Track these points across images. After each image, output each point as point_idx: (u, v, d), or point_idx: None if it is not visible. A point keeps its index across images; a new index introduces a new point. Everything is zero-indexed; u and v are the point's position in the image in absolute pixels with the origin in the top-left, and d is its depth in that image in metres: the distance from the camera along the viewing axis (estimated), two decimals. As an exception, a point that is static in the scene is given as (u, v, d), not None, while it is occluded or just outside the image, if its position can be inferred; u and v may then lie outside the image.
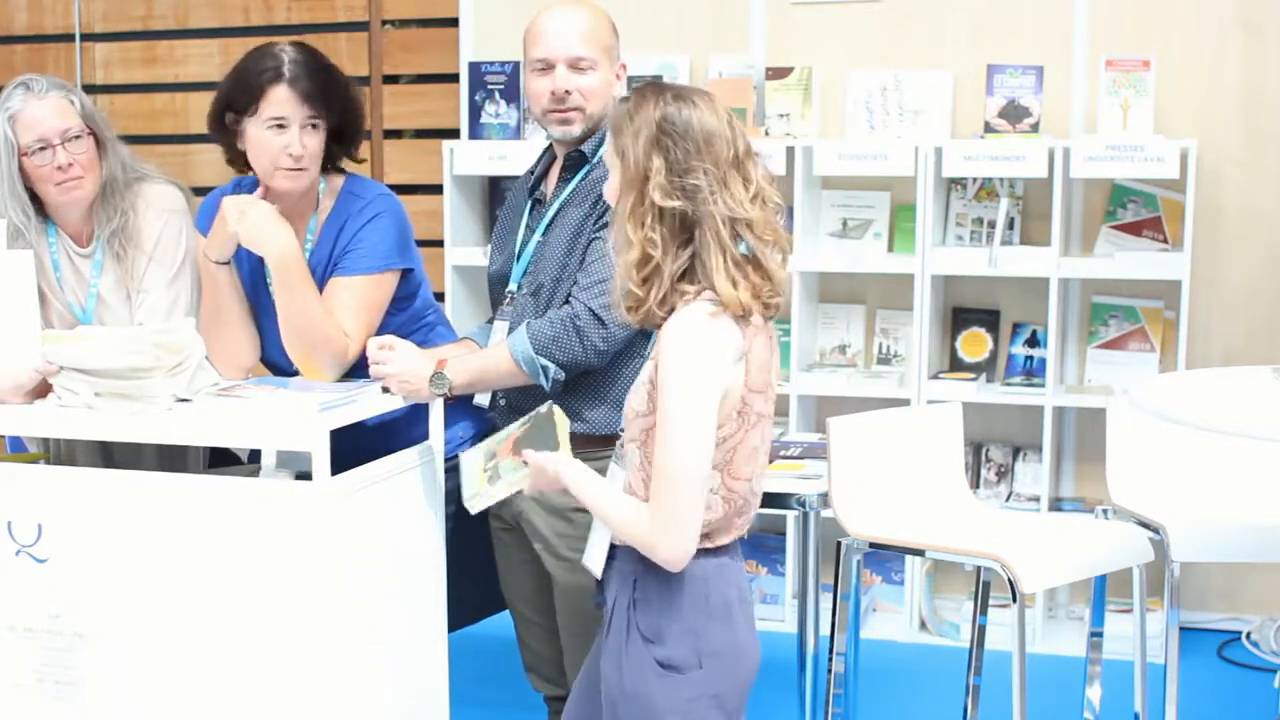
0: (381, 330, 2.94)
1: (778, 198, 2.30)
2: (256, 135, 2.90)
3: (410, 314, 3.06)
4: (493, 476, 2.54)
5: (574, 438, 2.79)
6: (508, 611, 3.10)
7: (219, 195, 3.02)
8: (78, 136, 2.99)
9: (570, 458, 2.36)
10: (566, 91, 2.82)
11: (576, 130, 2.84)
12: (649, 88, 2.29)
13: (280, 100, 2.87)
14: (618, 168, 2.27)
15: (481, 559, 3.05)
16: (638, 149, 2.23)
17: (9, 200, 2.97)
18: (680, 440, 2.18)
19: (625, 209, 2.25)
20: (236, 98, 2.92)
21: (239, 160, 3.00)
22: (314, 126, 2.92)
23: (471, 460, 2.63)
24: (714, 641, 2.26)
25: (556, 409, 2.45)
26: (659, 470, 2.20)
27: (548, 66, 2.84)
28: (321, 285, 2.93)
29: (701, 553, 2.25)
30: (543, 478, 2.39)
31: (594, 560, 2.37)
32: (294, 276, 2.84)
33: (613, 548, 2.33)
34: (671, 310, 2.24)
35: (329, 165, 3.02)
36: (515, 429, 2.54)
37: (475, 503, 2.60)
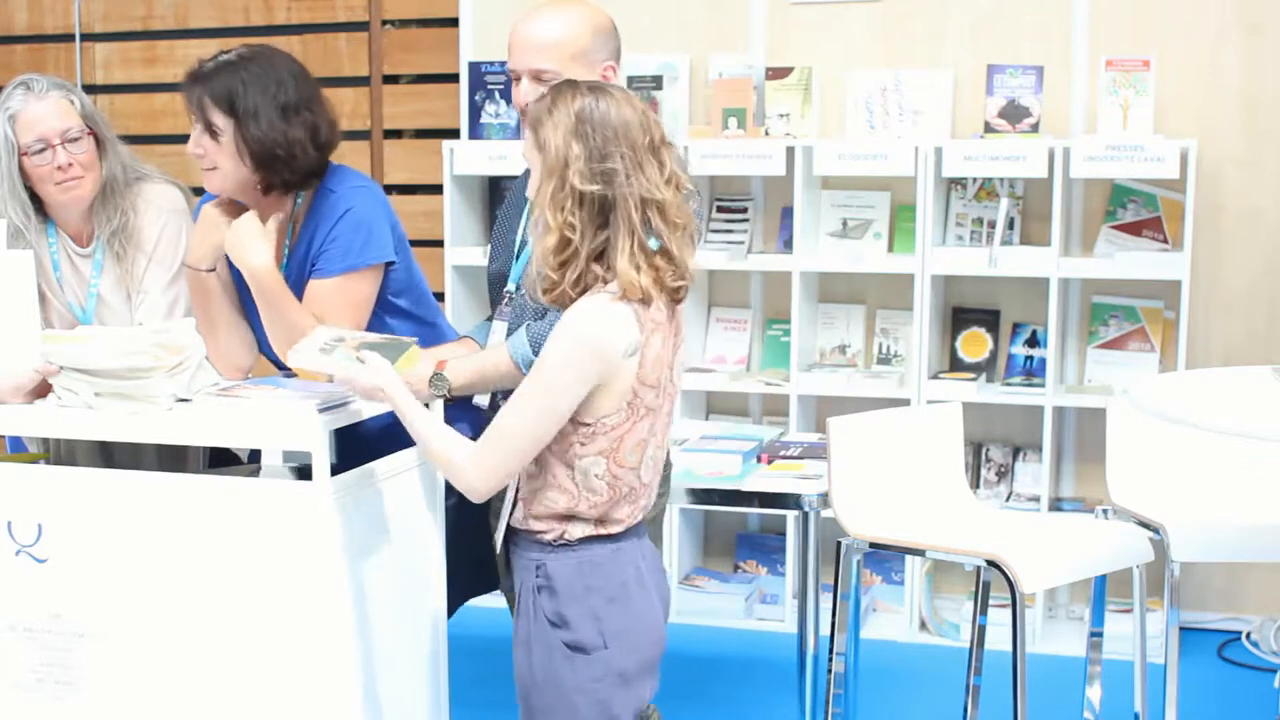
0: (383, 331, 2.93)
1: (690, 184, 2.42)
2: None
3: (410, 315, 3.05)
4: (326, 352, 2.58)
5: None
6: (507, 610, 3.09)
7: (206, 201, 3.01)
8: (78, 137, 2.99)
9: (400, 379, 2.49)
10: (526, 105, 2.80)
11: None
12: (566, 84, 2.41)
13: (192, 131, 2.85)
14: (538, 160, 2.36)
15: (477, 540, 3.03)
16: (558, 138, 2.33)
17: (9, 200, 2.97)
18: (529, 413, 2.32)
19: (545, 196, 2.34)
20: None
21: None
22: (214, 139, 2.83)
23: (321, 333, 2.65)
24: (615, 621, 2.39)
25: (418, 348, 2.60)
26: (500, 428, 2.34)
27: (516, 78, 2.84)
28: (299, 278, 2.92)
29: (597, 539, 2.39)
30: (365, 378, 2.50)
31: (496, 541, 2.54)
32: (271, 293, 2.85)
33: (515, 535, 2.45)
34: (584, 290, 2.34)
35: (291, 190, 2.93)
36: (374, 336, 2.66)
37: (294, 358, 2.62)
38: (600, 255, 2.33)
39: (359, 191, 2.95)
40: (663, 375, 2.38)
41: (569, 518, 2.38)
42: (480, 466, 2.35)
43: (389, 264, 2.98)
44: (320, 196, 2.94)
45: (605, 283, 2.33)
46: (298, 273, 2.94)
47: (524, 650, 2.42)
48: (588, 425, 2.34)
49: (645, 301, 2.32)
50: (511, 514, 2.45)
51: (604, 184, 2.31)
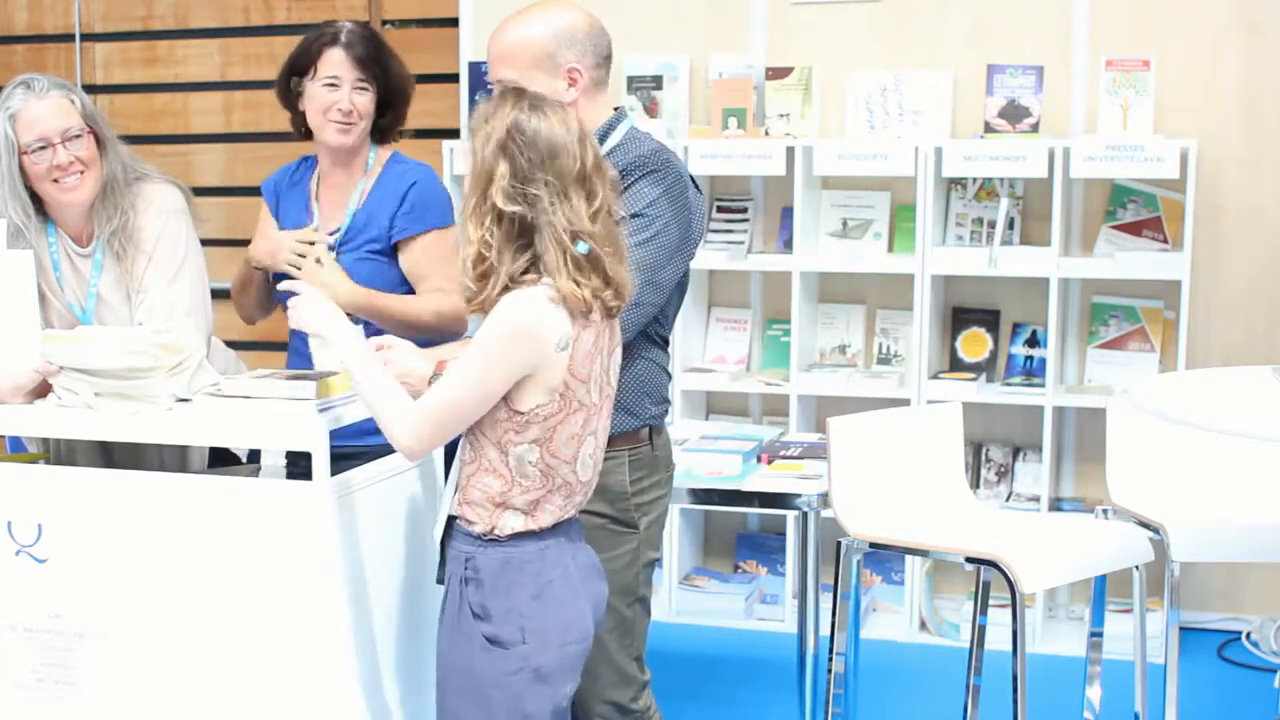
0: None
1: (622, 210, 2.45)
2: (312, 93, 3.17)
3: None
4: (258, 378, 2.68)
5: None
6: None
7: (285, 171, 3.34)
8: (78, 135, 2.99)
9: (345, 323, 2.52)
10: None
11: None
12: (509, 93, 2.41)
13: (334, 61, 3.16)
14: (469, 166, 2.38)
15: None
16: (486, 151, 2.34)
17: (9, 199, 2.97)
18: (460, 388, 2.34)
19: (469, 207, 2.36)
20: (298, 62, 3.21)
21: (302, 125, 3.24)
22: (363, 89, 3.17)
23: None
24: (536, 618, 2.40)
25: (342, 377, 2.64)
26: (433, 398, 2.37)
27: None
28: (364, 243, 3.16)
29: (527, 535, 2.41)
30: (310, 316, 2.54)
31: (436, 533, 2.53)
32: (381, 319, 3.09)
33: (451, 526, 2.46)
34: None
35: (379, 138, 3.27)
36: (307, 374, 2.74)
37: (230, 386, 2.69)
38: (528, 270, 2.34)
39: (427, 168, 3.28)
40: (595, 371, 2.40)
41: (501, 505, 2.39)
42: (411, 429, 2.37)
43: None
44: (390, 167, 3.25)
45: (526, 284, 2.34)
46: (361, 222, 3.18)
47: (447, 638, 2.45)
48: (521, 414, 2.35)
49: (585, 312, 2.34)
50: (451, 503, 2.47)
51: (526, 206, 2.32)
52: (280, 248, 3.19)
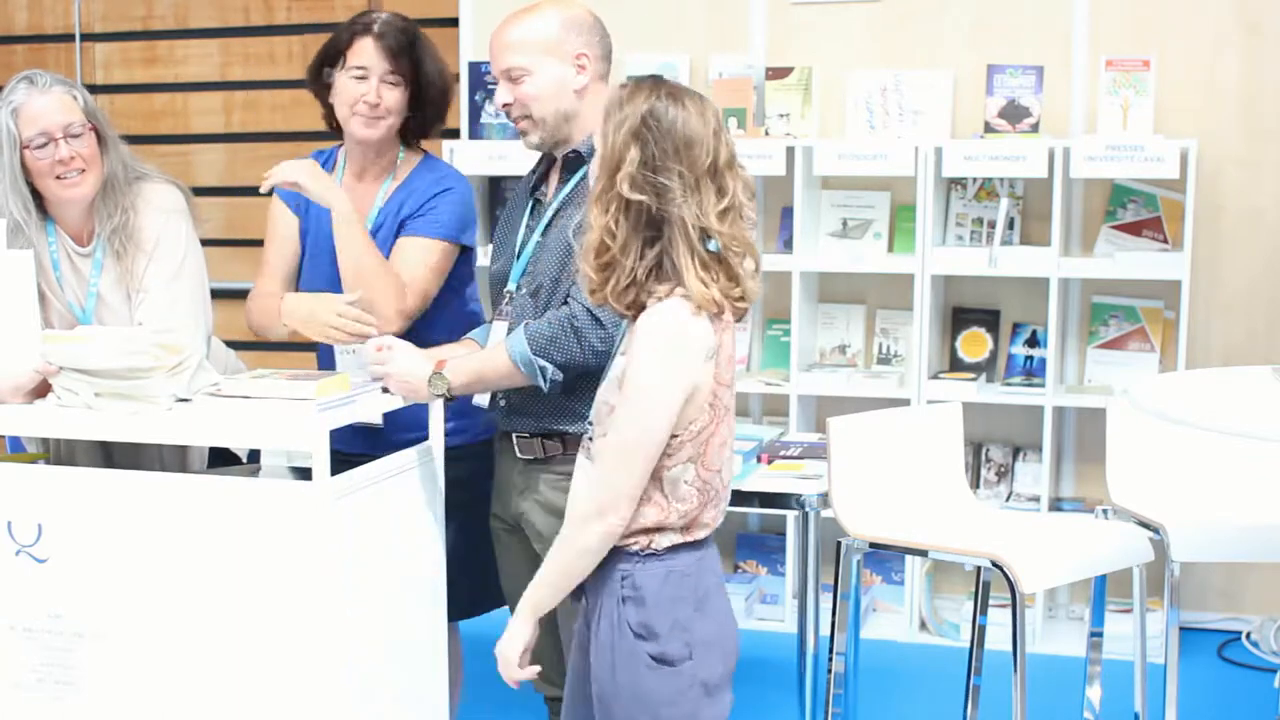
0: (436, 304, 3.08)
1: (753, 214, 2.34)
2: (341, 83, 3.08)
3: (463, 294, 3.21)
4: (258, 378, 2.69)
5: (574, 438, 2.80)
6: (507, 610, 3.09)
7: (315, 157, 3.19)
8: (79, 133, 2.99)
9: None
10: (505, 104, 2.86)
11: (534, 138, 2.87)
12: (646, 80, 2.32)
13: (363, 51, 3.06)
14: (600, 152, 2.32)
15: (481, 555, 3.06)
16: (617, 137, 2.26)
17: (10, 194, 2.97)
18: (640, 420, 2.24)
19: (596, 191, 2.29)
20: (329, 51, 3.12)
21: (332, 118, 3.16)
22: (393, 83, 3.07)
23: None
24: (701, 632, 2.32)
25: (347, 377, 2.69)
26: (616, 446, 2.26)
27: (496, 81, 2.89)
28: (383, 245, 3.07)
29: (683, 547, 2.32)
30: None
31: None
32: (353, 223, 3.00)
33: None
34: (640, 307, 2.28)
35: (411, 139, 3.18)
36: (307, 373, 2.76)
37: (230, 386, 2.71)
38: (654, 270, 2.26)
39: (461, 179, 3.18)
40: (734, 373, 2.36)
41: (657, 530, 2.31)
42: (600, 510, 2.26)
43: (465, 250, 3.15)
44: (427, 166, 3.17)
45: (660, 299, 2.26)
46: (387, 225, 3.10)
47: (606, 663, 2.33)
48: (675, 436, 2.27)
49: (719, 314, 2.28)
50: None
51: (654, 196, 2.23)
52: (314, 316, 3.00)
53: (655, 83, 2.30)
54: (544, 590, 2.38)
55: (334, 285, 3.05)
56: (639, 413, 2.24)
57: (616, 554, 2.32)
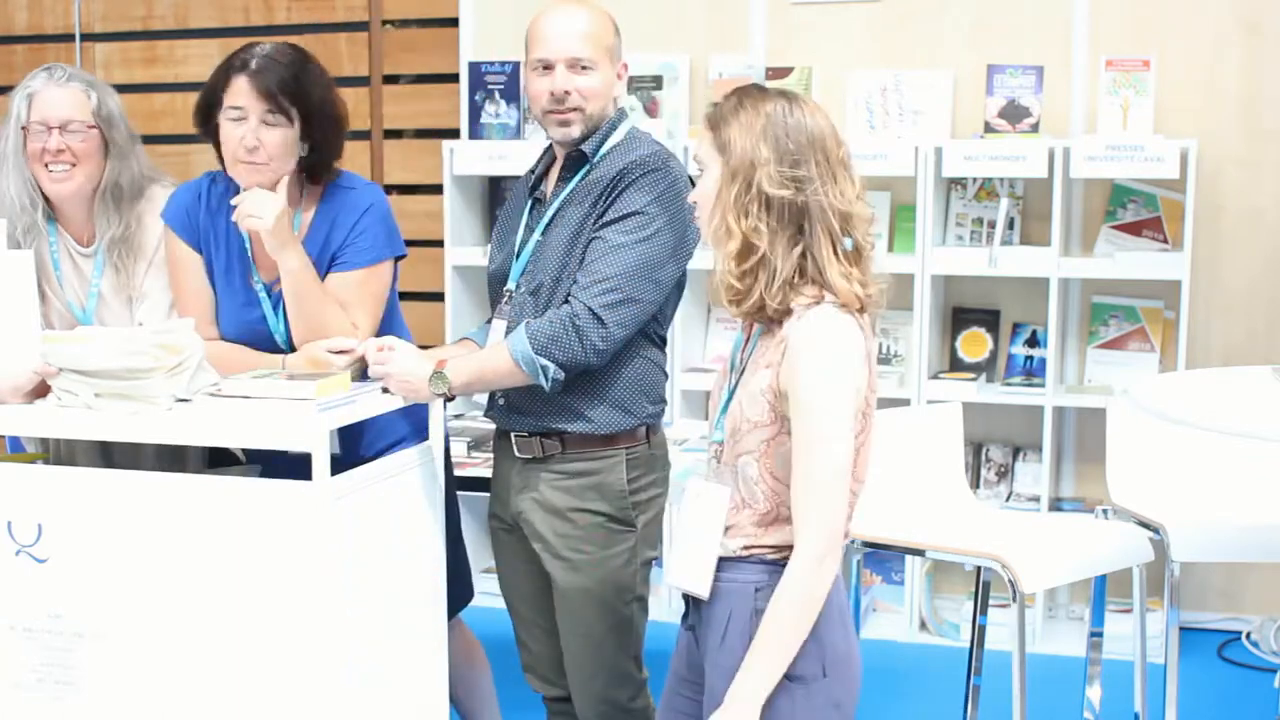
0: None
1: (870, 207, 2.31)
2: (223, 126, 2.86)
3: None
4: (258, 378, 2.67)
5: (573, 437, 2.80)
6: (506, 611, 3.09)
7: (191, 195, 2.98)
8: (77, 131, 3.00)
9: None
10: (566, 92, 2.81)
11: (575, 131, 2.84)
12: (754, 88, 2.30)
13: (239, 91, 2.82)
14: (718, 162, 2.25)
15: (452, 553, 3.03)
16: (745, 140, 2.22)
17: (13, 174, 3.01)
18: (831, 445, 2.16)
19: (728, 199, 2.23)
20: (207, 92, 2.89)
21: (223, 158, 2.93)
22: (271, 123, 2.83)
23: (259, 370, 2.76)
24: (837, 649, 2.24)
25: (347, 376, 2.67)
26: (814, 480, 2.16)
27: (548, 67, 2.83)
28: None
29: None
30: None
31: (693, 578, 2.32)
32: (308, 282, 2.85)
33: (720, 563, 2.28)
34: (786, 312, 2.23)
35: (311, 177, 2.94)
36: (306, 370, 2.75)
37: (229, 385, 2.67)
38: (800, 272, 2.22)
39: (374, 189, 3.01)
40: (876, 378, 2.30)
41: None
42: (811, 545, 2.16)
43: (399, 258, 3.02)
44: (337, 193, 2.96)
45: (804, 296, 2.21)
46: (317, 261, 2.91)
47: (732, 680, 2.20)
48: None
49: (862, 310, 2.24)
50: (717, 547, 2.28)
51: (795, 189, 2.20)
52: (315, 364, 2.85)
53: (762, 89, 2.29)
54: (773, 656, 2.19)
55: (250, 304, 2.94)
56: (828, 438, 2.16)
57: (748, 565, 2.25)
